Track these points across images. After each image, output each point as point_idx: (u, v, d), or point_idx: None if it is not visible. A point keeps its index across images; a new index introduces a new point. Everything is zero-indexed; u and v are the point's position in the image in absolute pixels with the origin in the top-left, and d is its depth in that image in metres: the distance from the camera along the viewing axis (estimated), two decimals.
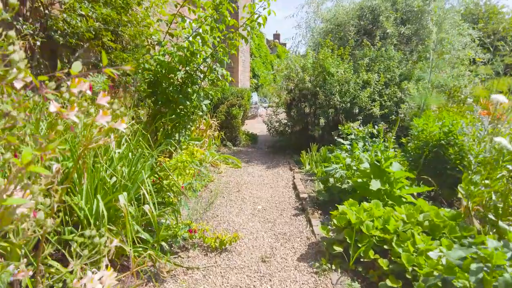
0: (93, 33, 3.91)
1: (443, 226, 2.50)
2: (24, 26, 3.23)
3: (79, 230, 2.05)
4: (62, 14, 3.66)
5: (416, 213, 2.64)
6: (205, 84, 4.36)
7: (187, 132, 4.37)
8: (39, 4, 3.56)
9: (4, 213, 0.70)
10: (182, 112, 4.10)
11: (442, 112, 4.25)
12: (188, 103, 4.02)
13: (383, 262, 2.31)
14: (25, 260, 1.27)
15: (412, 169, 3.72)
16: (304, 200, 3.88)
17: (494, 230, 2.52)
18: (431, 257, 1.91)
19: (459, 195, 2.84)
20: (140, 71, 3.99)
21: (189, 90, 4.06)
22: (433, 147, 3.67)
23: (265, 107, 13.83)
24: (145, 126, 4.02)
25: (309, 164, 5.46)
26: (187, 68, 4.01)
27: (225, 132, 7.32)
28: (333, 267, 2.48)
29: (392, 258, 2.33)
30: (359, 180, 3.35)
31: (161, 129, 4.12)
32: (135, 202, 2.39)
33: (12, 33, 0.74)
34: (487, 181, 2.61)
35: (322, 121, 5.84)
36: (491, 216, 2.50)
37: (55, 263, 1.79)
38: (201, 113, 4.31)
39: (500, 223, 2.24)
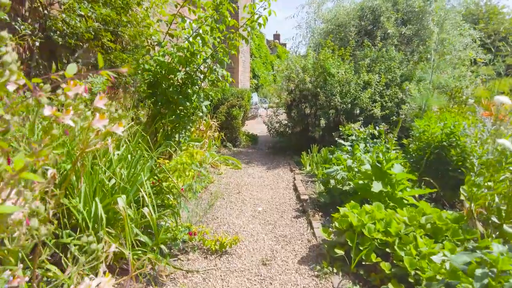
0: (93, 33, 3.88)
1: (446, 229, 2.47)
2: (22, 27, 3.21)
3: (77, 233, 2.03)
4: (61, 14, 3.63)
5: (418, 215, 2.61)
6: (205, 85, 4.33)
7: (187, 133, 4.34)
8: (38, 4, 3.54)
9: None
10: (182, 113, 4.07)
11: (444, 113, 4.22)
12: (188, 104, 3.99)
13: (385, 266, 2.28)
14: (21, 265, 1.25)
15: (414, 171, 3.69)
16: (304, 201, 3.85)
17: (498, 233, 2.49)
18: (434, 261, 1.88)
19: (461, 197, 2.81)
20: (140, 71, 3.97)
21: (189, 91, 4.03)
22: (435, 149, 3.64)
23: (265, 108, 13.80)
24: (145, 127, 4.00)
25: (309, 165, 5.44)
26: (187, 69, 3.98)
27: (225, 133, 7.29)
28: (335, 270, 2.45)
29: (394, 262, 2.30)
30: (361, 181, 3.33)
31: (161, 130, 4.10)
32: (134, 205, 2.37)
33: (4, 33, 0.72)
34: (490, 183, 2.58)
35: (322, 122, 5.81)
36: (494, 219, 2.47)
37: (52, 268, 1.76)
38: (201, 114, 4.28)
39: (505, 226, 2.21)
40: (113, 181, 2.33)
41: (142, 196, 2.30)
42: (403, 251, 2.29)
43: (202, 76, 4.14)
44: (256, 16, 3.97)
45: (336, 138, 5.16)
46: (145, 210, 2.23)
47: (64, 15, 3.61)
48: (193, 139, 4.58)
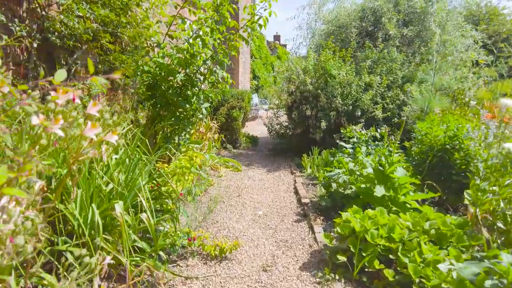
0: (91, 34, 3.83)
1: (451, 235, 2.42)
2: (18, 28, 3.15)
3: (73, 240, 1.98)
4: (59, 15, 3.58)
5: (422, 220, 2.56)
6: (205, 87, 4.29)
7: (186, 135, 4.29)
8: (36, 5, 3.49)
9: None
10: (182, 115, 4.03)
11: (447, 116, 4.17)
12: (187, 106, 3.95)
13: (388, 273, 2.23)
14: (12, 277, 1.20)
15: (416, 174, 3.63)
16: (306, 205, 3.80)
17: (503, 239, 2.44)
18: (441, 270, 1.83)
19: (465, 202, 2.76)
20: (139, 73, 3.92)
21: (189, 92, 3.98)
22: (438, 152, 3.59)
23: (265, 109, 13.76)
24: (144, 130, 3.95)
25: (310, 167, 5.38)
26: (187, 71, 3.94)
27: (225, 134, 7.24)
28: (337, 277, 2.40)
29: (398, 269, 2.25)
30: (363, 185, 3.28)
31: (160, 133, 4.05)
32: (132, 210, 2.32)
33: None
34: (495, 188, 2.53)
35: (323, 124, 5.77)
36: (500, 224, 2.42)
37: (47, 276, 1.71)
38: (201, 116, 4.23)
39: None
40: (110, 185, 2.28)
41: (140, 201, 2.26)
42: (407, 258, 2.24)
43: (202, 78, 4.09)
44: (256, 17, 3.92)
45: (337, 140, 5.11)
46: (143, 215, 2.18)
47: (62, 16, 3.56)
48: (192, 141, 4.53)
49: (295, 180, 4.93)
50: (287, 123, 7.13)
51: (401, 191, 3.12)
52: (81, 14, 3.64)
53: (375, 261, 2.32)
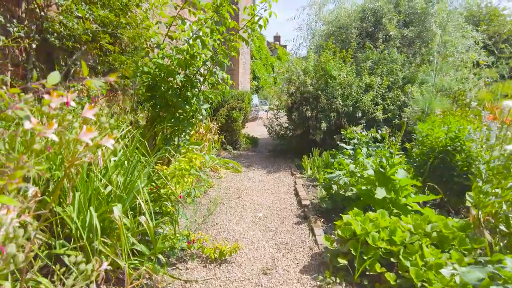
0: (91, 35, 3.81)
1: (452, 238, 2.40)
2: (15, 29, 3.13)
3: (71, 243, 1.95)
4: (58, 16, 3.56)
5: (424, 223, 2.54)
6: (204, 88, 4.26)
7: (186, 137, 4.27)
8: (35, 6, 3.47)
9: None
10: (182, 117, 4.00)
11: (448, 117, 4.15)
12: (187, 107, 3.92)
13: (390, 276, 2.21)
14: (8, 283, 1.17)
15: (417, 176, 3.61)
16: (306, 207, 3.77)
17: (506, 242, 2.42)
18: (443, 274, 1.80)
19: (467, 204, 2.74)
20: (138, 74, 3.90)
21: (189, 93, 3.96)
22: (439, 153, 3.57)
23: (266, 111, 13.73)
24: (144, 131, 3.93)
25: (310, 169, 5.36)
26: (187, 72, 3.91)
27: (225, 135, 7.22)
28: (338, 280, 2.38)
29: (400, 272, 2.23)
30: (364, 187, 3.25)
31: (160, 134, 4.03)
32: (131, 212, 2.29)
33: None
34: (497, 190, 2.50)
35: (324, 125, 5.74)
36: (502, 227, 2.40)
37: (44, 280, 1.69)
38: (200, 117, 4.21)
39: None
40: (109, 188, 2.26)
41: (139, 204, 2.23)
42: (409, 261, 2.21)
43: (201, 79, 4.06)
44: (256, 18, 3.90)
45: (338, 142, 5.09)
46: (142, 218, 2.16)
47: (61, 17, 3.54)
48: (192, 142, 4.51)
49: (295, 182, 4.91)
50: (287, 124, 7.10)
51: (402, 193, 3.10)
52: (80, 14, 3.62)
53: (376, 264, 2.30)
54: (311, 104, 6.08)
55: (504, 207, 2.45)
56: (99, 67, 4.32)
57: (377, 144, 4.60)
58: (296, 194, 4.39)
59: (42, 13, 3.51)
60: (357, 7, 7.79)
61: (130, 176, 2.40)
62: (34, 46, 3.42)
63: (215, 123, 6.70)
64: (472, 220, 2.64)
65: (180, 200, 2.72)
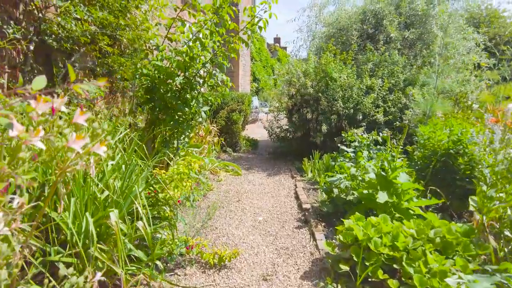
0: (89, 37, 3.78)
1: (456, 243, 2.35)
2: (10, 30, 3.09)
3: (66, 250, 1.91)
4: (56, 17, 3.53)
5: (427, 228, 2.49)
6: (204, 90, 4.22)
7: (185, 139, 4.23)
8: (33, 7, 3.43)
9: None
10: (181, 119, 3.96)
11: (450, 120, 4.10)
12: (187, 109, 3.88)
13: (393, 283, 2.16)
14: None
15: (419, 179, 3.57)
16: (307, 211, 3.73)
17: (510, 247, 2.37)
18: (448, 283, 1.75)
19: (471, 208, 2.69)
20: (137, 76, 3.86)
21: (188, 96, 3.92)
22: (441, 157, 3.52)
23: (266, 112, 13.69)
24: (143, 133, 3.89)
25: (311, 171, 5.31)
26: (186, 74, 3.88)
27: (225, 137, 7.18)
28: (339, 287, 2.33)
29: (403, 279, 2.18)
30: (365, 191, 3.21)
31: (159, 136, 3.98)
32: (129, 217, 2.25)
33: None
34: (501, 195, 2.46)
35: (324, 127, 5.70)
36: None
37: None
38: (200, 120, 4.17)
39: None
40: (106, 193, 2.21)
41: (137, 209, 2.19)
42: (412, 268, 2.17)
43: (201, 81, 4.02)
44: (256, 19, 3.87)
45: (339, 144, 5.05)
46: (140, 224, 2.11)
47: (59, 19, 3.51)
48: (192, 145, 4.47)
49: (295, 185, 4.86)
50: (287, 126, 7.06)
51: (404, 197, 3.05)
52: (78, 16, 3.58)
53: (378, 271, 2.25)
54: (312, 106, 6.04)
55: (509, 212, 2.40)
56: (98, 69, 4.28)
57: (378, 147, 4.56)
58: (297, 197, 4.34)
59: (40, 15, 3.47)
60: (358, 9, 7.76)
61: (127, 180, 2.35)
62: (31, 48, 3.38)
63: (214, 125, 6.66)
64: (475, 225, 2.59)
65: (178, 204, 2.67)
